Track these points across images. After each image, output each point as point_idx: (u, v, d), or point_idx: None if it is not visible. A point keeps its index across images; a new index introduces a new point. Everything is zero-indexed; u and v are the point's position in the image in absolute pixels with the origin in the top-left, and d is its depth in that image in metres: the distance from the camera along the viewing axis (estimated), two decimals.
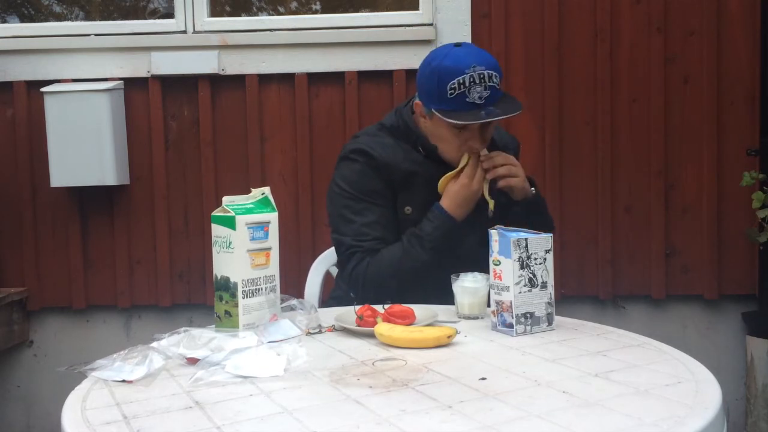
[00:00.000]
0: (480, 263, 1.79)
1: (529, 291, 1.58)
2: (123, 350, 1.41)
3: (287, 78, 2.85)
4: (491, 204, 1.89)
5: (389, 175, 1.90)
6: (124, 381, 1.31)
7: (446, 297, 1.80)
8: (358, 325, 1.62)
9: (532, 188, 1.97)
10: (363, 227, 1.90)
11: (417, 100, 1.92)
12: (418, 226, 1.88)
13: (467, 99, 1.80)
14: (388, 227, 1.90)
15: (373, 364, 1.39)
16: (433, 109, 1.85)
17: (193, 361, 1.38)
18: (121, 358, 1.38)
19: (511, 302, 1.57)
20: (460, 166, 1.87)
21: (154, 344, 1.43)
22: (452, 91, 1.80)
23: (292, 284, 2.24)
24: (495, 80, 1.83)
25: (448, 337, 1.49)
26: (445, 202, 1.87)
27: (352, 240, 1.91)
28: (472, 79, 1.80)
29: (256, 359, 1.34)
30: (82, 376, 1.35)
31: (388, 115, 2.05)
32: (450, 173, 1.88)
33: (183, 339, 1.43)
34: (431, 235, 1.86)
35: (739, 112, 2.79)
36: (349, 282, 1.93)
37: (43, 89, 2.78)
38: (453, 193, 1.87)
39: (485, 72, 1.81)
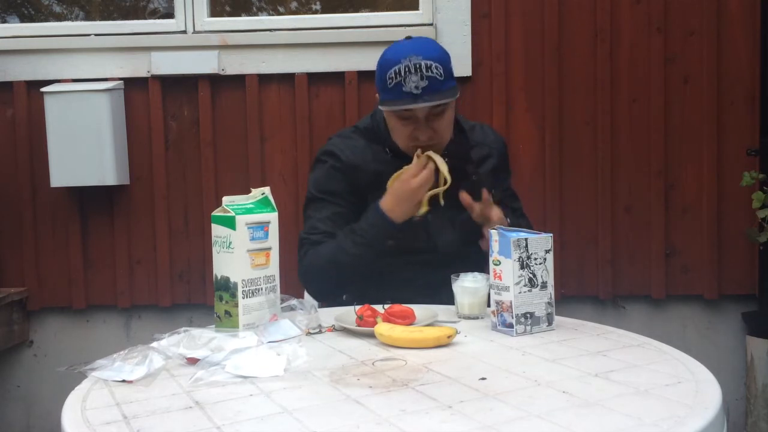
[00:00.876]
0: (467, 261, 1.83)
1: (529, 291, 1.58)
2: (123, 350, 1.41)
3: (287, 78, 2.85)
4: (423, 209, 1.85)
5: (355, 177, 1.94)
6: (124, 381, 1.31)
7: (437, 295, 1.82)
8: (358, 325, 1.63)
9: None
10: (316, 222, 1.94)
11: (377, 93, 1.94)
12: (355, 223, 1.89)
13: (403, 89, 1.81)
14: (340, 225, 1.92)
15: (373, 364, 1.40)
16: (380, 100, 1.89)
17: (193, 361, 1.38)
18: (121, 358, 1.38)
19: (511, 302, 1.57)
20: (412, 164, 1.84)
21: (154, 344, 1.43)
22: (390, 80, 1.82)
23: (292, 284, 2.25)
24: (435, 71, 1.81)
25: (448, 337, 1.49)
26: (385, 199, 1.86)
27: (304, 233, 1.96)
28: (407, 69, 1.80)
29: (256, 359, 1.34)
30: (82, 376, 1.35)
31: (365, 117, 2.08)
32: (399, 171, 1.86)
33: (183, 339, 1.43)
34: (364, 231, 1.85)
35: (739, 112, 2.79)
36: (300, 275, 1.97)
37: (43, 89, 2.78)
38: (393, 189, 1.86)
39: (422, 62, 1.80)
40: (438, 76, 1.82)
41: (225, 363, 1.33)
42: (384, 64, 1.86)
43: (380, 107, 1.91)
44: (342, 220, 1.94)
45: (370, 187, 1.93)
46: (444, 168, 1.85)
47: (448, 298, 1.78)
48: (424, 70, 1.81)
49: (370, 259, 1.87)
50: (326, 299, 2.00)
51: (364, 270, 1.88)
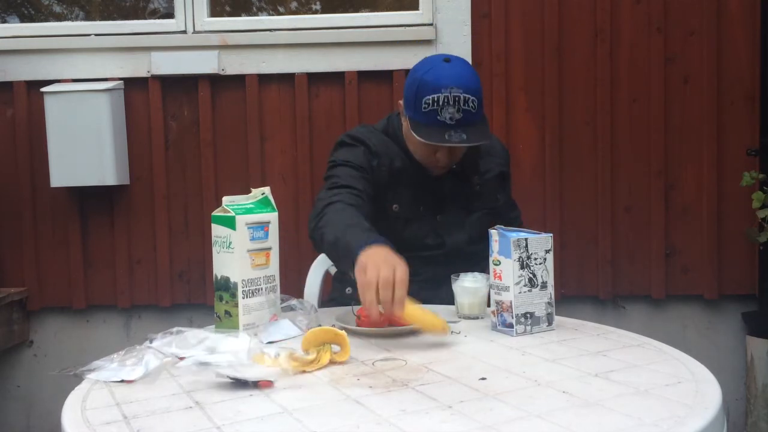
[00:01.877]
0: (473, 259, 1.86)
1: (529, 291, 1.59)
2: (118, 352, 1.41)
3: (287, 78, 2.85)
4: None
5: (379, 166, 1.94)
6: (123, 381, 1.31)
7: (439, 289, 1.85)
8: (358, 325, 1.63)
9: None
10: (341, 179, 1.88)
11: (401, 100, 1.96)
12: (365, 230, 1.70)
13: (438, 117, 1.82)
14: (360, 189, 1.86)
15: (373, 364, 1.40)
16: (408, 116, 1.90)
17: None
18: (117, 359, 1.38)
19: (511, 302, 1.57)
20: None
21: (147, 344, 1.43)
22: (426, 105, 1.83)
23: (292, 284, 2.25)
24: (471, 104, 1.83)
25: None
26: (364, 254, 1.56)
27: (323, 193, 1.87)
28: (446, 100, 1.81)
29: (244, 367, 1.32)
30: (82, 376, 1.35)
31: (380, 120, 2.09)
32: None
33: (175, 339, 1.43)
34: (340, 241, 1.67)
35: (739, 112, 2.79)
36: (310, 232, 1.85)
37: (43, 89, 2.78)
38: (383, 259, 1.53)
39: (461, 95, 1.82)
40: (472, 109, 1.83)
41: (218, 364, 1.33)
42: (423, 87, 1.84)
43: (412, 132, 1.87)
44: (361, 183, 1.89)
45: (389, 182, 1.94)
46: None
47: (448, 294, 1.79)
48: (461, 104, 1.82)
49: (331, 257, 1.80)
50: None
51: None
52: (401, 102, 1.95)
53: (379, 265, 1.49)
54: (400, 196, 1.95)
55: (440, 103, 1.82)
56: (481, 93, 1.87)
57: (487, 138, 1.91)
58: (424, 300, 1.83)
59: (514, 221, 2.12)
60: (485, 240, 1.78)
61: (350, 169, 1.91)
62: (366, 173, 1.92)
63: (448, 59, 1.92)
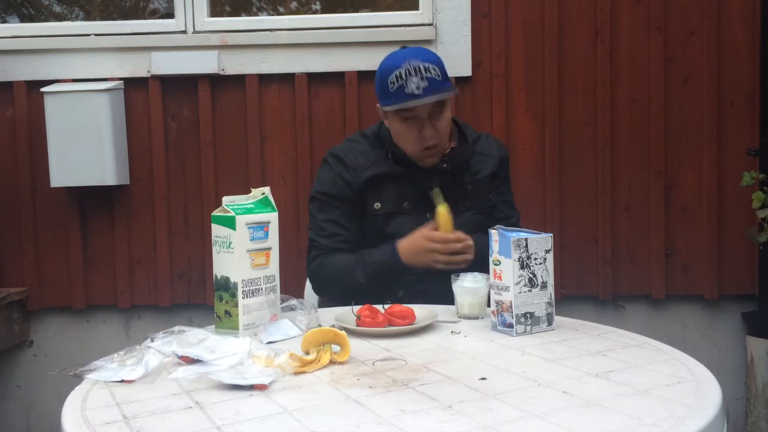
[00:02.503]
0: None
1: (529, 291, 1.59)
2: (118, 352, 1.41)
3: (287, 78, 2.85)
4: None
5: (355, 180, 2.02)
6: (122, 381, 1.31)
7: (431, 287, 1.92)
8: (358, 325, 1.63)
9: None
10: (321, 222, 2.04)
11: (378, 103, 2.04)
12: (371, 250, 1.98)
13: (406, 90, 1.90)
14: (346, 226, 2.03)
15: (373, 364, 1.40)
16: (382, 107, 2.00)
17: (186, 360, 1.38)
18: (117, 359, 1.38)
19: (511, 302, 1.57)
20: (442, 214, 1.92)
21: (148, 343, 1.43)
22: (392, 85, 1.92)
23: (292, 284, 2.25)
24: (434, 72, 1.92)
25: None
26: (402, 244, 1.94)
27: (313, 234, 2.06)
28: (408, 72, 1.91)
29: (244, 367, 1.32)
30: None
31: (374, 124, 2.15)
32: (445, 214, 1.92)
33: (176, 338, 1.43)
34: (374, 265, 1.96)
35: (739, 112, 2.79)
36: (307, 274, 2.10)
37: (43, 89, 2.78)
38: (412, 240, 1.94)
39: (421, 64, 1.91)
40: (437, 77, 1.92)
41: (215, 365, 1.33)
42: (384, 70, 1.96)
43: (385, 109, 1.98)
44: (343, 220, 2.04)
45: (370, 188, 2.02)
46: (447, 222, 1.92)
47: (439, 287, 1.84)
48: (423, 72, 1.91)
49: (377, 287, 1.93)
50: (329, 298, 2.10)
51: (369, 292, 1.91)
52: (378, 105, 2.03)
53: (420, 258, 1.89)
54: (382, 195, 2.02)
55: (404, 77, 1.91)
56: (443, 65, 1.96)
57: (454, 90, 1.99)
58: (416, 292, 1.95)
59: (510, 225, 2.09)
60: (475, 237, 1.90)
61: (323, 204, 2.04)
62: (340, 201, 2.03)
63: (404, 46, 2.05)
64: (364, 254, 1.99)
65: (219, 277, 1.58)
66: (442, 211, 1.92)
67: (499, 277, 1.59)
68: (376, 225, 2.03)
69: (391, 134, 2.03)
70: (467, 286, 1.74)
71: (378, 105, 2.02)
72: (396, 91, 1.92)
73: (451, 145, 2.08)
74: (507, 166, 2.19)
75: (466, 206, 2.07)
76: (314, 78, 2.85)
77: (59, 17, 3.32)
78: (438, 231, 1.92)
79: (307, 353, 1.39)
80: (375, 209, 2.03)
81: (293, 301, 1.71)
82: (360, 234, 2.05)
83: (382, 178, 2.02)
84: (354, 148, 2.08)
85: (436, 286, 1.89)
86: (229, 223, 1.56)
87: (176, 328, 1.49)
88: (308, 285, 2.40)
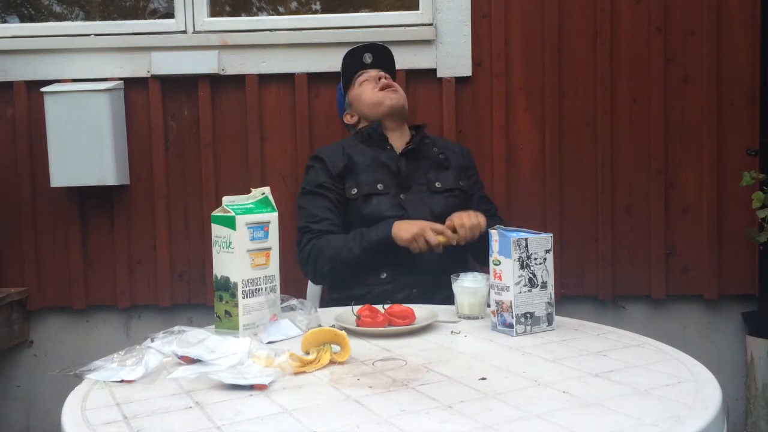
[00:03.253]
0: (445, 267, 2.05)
1: (529, 291, 1.59)
2: (118, 352, 1.41)
3: (287, 78, 2.85)
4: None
5: (334, 167, 2.25)
6: (122, 381, 1.31)
7: (404, 266, 2.12)
8: (358, 325, 1.63)
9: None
10: (313, 209, 2.23)
11: (345, 114, 2.47)
12: (369, 228, 2.14)
13: (358, 63, 2.41)
14: (335, 212, 2.22)
15: (373, 364, 1.40)
16: (345, 93, 2.45)
17: (186, 360, 1.38)
18: (117, 359, 1.38)
19: (511, 302, 1.57)
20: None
21: (148, 342, 1.43)
22: (345, 65, 2.41)
23: (292, 284, 2.25)
24: (385, 52, 2.46)
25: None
26: (398, 224, 2.09)
27: (305, 222, 2.23)
28: (359, 50, 2.43)
29: (244, 367, 1.32)
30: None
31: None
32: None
33: (176, 338, 1.44)
34: (371, 239, 2.10)
35: (739, 112, 2.79)
36: (299, 260, 2.23)
37: (43, 89, 2.78)
38: (411, 221, 2.10)
39: (371, 45, 2.46)
40: (386, 54, 2.46)
41: (214, 365, 1.33)
42: (344, 58, 2.44)
43: (348, 87, 2.44)
44: (332, 206, 2.23)
45: (347, 175, 2.25)
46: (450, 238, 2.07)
47: (414, 268, 2.09)
48: (373, 50, 2.44)
49: (369, 261, 2.12)
50: (319, 282, 2.32)
51: (359, 268, 2.13)
52: (346, 114, 2.46)
53: (411, 230, 2.04)
54: (358, 180, 2.23)
55: (355, 54, 2.42)
56: (391, 55, 2.49)
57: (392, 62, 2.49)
58: (397, 275, 2.14)
59: (489, 214, 2.29)
60: (443, 221, 2.08)
61: (313, 195, 2.26)
62: (326, 189, 2.24)
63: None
64: (360, 230, 2.15)
65: (219, 277, 1.58)
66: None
67: (499, 277, 1.59)
68: (356, 209, 2.20)
69: (359, 108, 2.39)
70: (467, 286, 1.74)
71: (346, 114, 2.46)
72: (349, 65, 2.41)
73: (411, 134, 2.38)
74: (473, 163, 2.44)
75: (438, 188, 2.25)
76: (314, 78, 2.85)
77: (59, 17, 3.32)
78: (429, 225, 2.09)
79: (307, 353, 1.39)
80: (353, 194, 2.21)
81: (293, 301, 1.71)
82: (345, 221, 2.23)
83: (356, 166, 2.25)
84: (329, 148, 2.35)
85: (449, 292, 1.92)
86: (229, 223, 1.56)
87: (176, 328, 1.49)
88: (309, 285, 2.41)
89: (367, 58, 2.41)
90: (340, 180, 2.24)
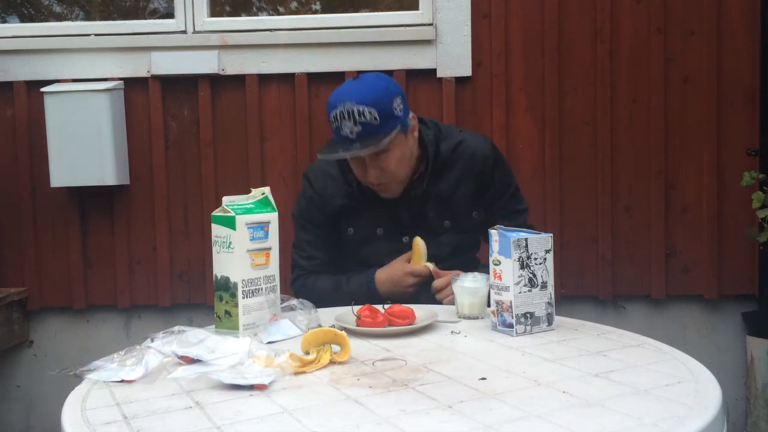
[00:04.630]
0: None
1: (529, 291, 1.59)
2: (118, 352, 1.41)
3: (287, 78, 2.85)
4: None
5: (324, 206, 2.06)
6: (122, 381, 1.31)
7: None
8: (358, 325, 1.63)
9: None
10: (302, 242, 2.11)
11: None
12: (348, 278, 2.03)
13: (341, 133, 1.88)
14: (322, 249, 2.09)
15: (373, 364, 1.40)
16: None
17: (186, 360, 1.38)
18: (117, 359, 1.38)
19: (511, 302, 1.57)
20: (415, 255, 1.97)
21: (148, 342, 1.43)
22: (332, 123, 1.91)
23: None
24: (368, 116, 1.85)
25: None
26: (380, 274, 1.99)
27: (294, 253, 2.12)
28: (342, 115, 1.87)
29: (244, 367, 1.32)
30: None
31: None
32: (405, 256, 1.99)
33: (176, 338, 1.44)
34: (352, 295, 1.90)
35: (739, 112, 2.79)
36: (292, 289, 2.10)
37: (43, 89, 2.78)
38: (390, 271, 1.98)
39: (355, 108, 1.85)
40: (372, 121, 1.85)
41: (214, 365, 1.33)
42: (328, 106, 1.93)
43: (319, 155, 1.99)
44: (320, 243, 2.09)
45: (341, 215, 2.06)
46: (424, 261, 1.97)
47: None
48: (357, 116, 1.85)
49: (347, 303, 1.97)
50: None
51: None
52: None
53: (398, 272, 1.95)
54: (355, 220, 2.05)
55: (338, 119, 1.88)
56: (384, 104, 1.87)
57: (377, 144, 1.87)
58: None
59: (516, 222, 2.03)
60: (455, 257, 1.99)
61: (302, 226, 2.10)
62: (314, 225, 2.08)
63: (357, 77, 1.97)
64: (342, 282, 2.03)
65: (219, 277, 1.58)
66: (418, 243, 1.97)
67: (499, 277, 1.59)
68: (351, 249, 2.07)
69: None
70: (467, 286, 1.74)
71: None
72: (335, 130, 1.91)
73: (420, 170, 2.03)
74: (498, 170, 2.10)
75: (445, 227, 2.06)
76: (314, 78, 2.84)
77: (59, 17, 3.32)
78: (414, 263, 1.96)
79: (307, 353, 1.39)
80: (349, 234, 2.06)
81: (293, 301, 1.71)
82: (337, 255, 2.09)
83: (353, 206, 2.04)
84: (325, 172, 2.07)
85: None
86: (229, 223, 1.56)
87: (176, 328, 1.49)
88: None
89: (348, 130, 1.87)
90: (335, 219, 2.06)
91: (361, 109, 1.85)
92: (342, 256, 2.10)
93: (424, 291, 1.97)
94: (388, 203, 2.03)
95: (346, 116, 1.85)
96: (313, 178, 2.09)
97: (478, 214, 2.07)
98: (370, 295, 1.95)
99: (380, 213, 2.03)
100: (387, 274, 1.99)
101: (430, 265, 1.95)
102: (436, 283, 1.94)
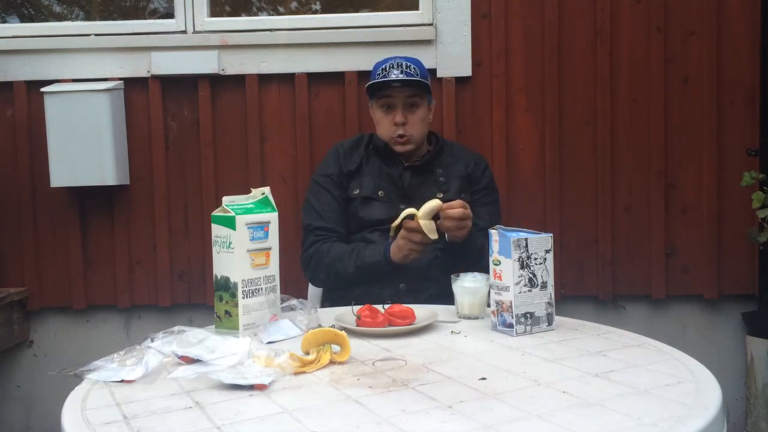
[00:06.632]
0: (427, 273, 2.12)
1: (529, 291, 1.59)
2: (118, 352, 1.41)
3: (287, 78, 2.85)
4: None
5: (345, 167, 2.31)
6: (122, 381, 1.31)
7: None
8: (358, 325, 1.63)
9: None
10: (318, 206, 2.28)
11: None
12: (366, 245, 2.18)
13: (387, 78, 2.25)
14: (337, 210, 2.27)
15: (373, 364, 1.40)
16: (368, 94, 2.33)
17: (186, 360, 1.38)
18: (117, 359, 1.38)
19: (511, 302, 1.57)
20: (400, 217, 1.99)
21: (148, 342, 1.43)
22: (378, 75, 2.28)
23: (292, 284, 2.25)
24: (413, 69, 2.27)
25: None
26: (393, 246, 2.08)
27: (309, 220, 2.28)
28: (391, 66, 2.27)
29: (244, 367, 1.32)
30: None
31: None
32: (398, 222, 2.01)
33: (176, 338, 1.44)
34: (365, 259, 2.13)
35: (739, 112, 2.79)
36: (302, 259, 2.28)
37: (43, 89, 2.78)
38: (396, 241, 2.07)
39: (403, 62, 2.29)
40: (414, 74, 2.26)
41: (215, 366, 1.33)
42: (375, 66, 2.34)
43: (369, 98, 2.35)
44: (336, 203, 2.28)
45: (353, 177, 2.29)
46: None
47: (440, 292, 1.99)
48: (404, 67, 2.27)
49: (364, 279, 2.13)
50: (316, 285, 2.36)
51: (353, 285, 2.15)
52: (369, 104, 2.38)
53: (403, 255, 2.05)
54: (362, 183, 2.28)
55: (387, 69, 2.27)
56: (426, 72, 2.32)
57: (427, 88, 2.29)
58: (415, 289, 2.12)
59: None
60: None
61: (318, 189, 2.31)
62: (332, 182, 2.30)
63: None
64: (359, 247, 2.18)
65: (219, 277, 1.58)
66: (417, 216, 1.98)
67: (499, 277, 1.59)
68: (353, 209, 2.25)
69: (375, 126, 2.34)
70: (467, 286, 1.74)
71: (369, 104, 2.36)
72: (378, 77, 2.26)
73: (428, 149, 2.36)
74: (485, 172, 2.37)
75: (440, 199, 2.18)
76: (314, 78, 2.84)
77: (59, 17, 3.32)
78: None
79: (307, 353, 1.39)
80: (354, 194, 2.26)
81: (293, 301, 1.71)
82: (345, 225, 2.27)
83: (364, 168, 2.30)
84: (352, 146, 2.37)
85: (437, 289, 2.05)
86: (229, 223, 1.56)
87: (176, 328, 1.49)
88: (310, 285, 2.41)
89: (395, 75, 2.24)
90: (348, 178, 2.29)
91: (408, 63, 2.28)
92: (348, 224, 2.27)
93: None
94: (392, 171, 2.28)
95: (395, 66, 2.27)
96: (341, 147, 2.38)
97: (465, 197, 2.23)
98: (385, 263, 2.09)
99: (384, 178, 2.28)
100: (395, 242, 2.07)
101: (434, 203, 1.96)
102: (448, 212, 1.97)
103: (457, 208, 1.97)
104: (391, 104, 2.28)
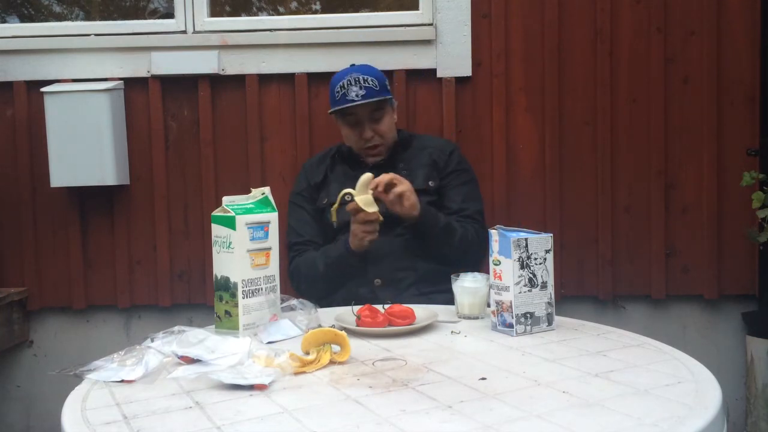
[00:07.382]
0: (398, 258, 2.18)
1: (529, 291, 1.59)
2: (118, 352, 1.41)
3: (287, 78, 2.85)
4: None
5: (311, 178, 2.40)
6: (122, 381, 1.31)
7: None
8: (358, 325, 1.63)
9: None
10: (294, 224, 2.37)
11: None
12: (330, 245, 2.25)
13: (347, 97, 2.27)
14: (312, 224, 2.35)
15: (373, 364, 1.40)
16: (333, 114, 2.34)
17: (186, 360, 1.38)
18: (117, 359, 1.38)
19: (511, 302, 1.57)
20: (338, 199, 2.06)
21: (148, 342, 1.44)
22: (337, 93, 2.30)
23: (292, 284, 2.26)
24: (371, 83, 2.28)
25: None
26: (350, 237, 2.14)
27: (288, 237, 2.35)
28: (349, 82, 2.28)
29: (244, 367, 1.32)
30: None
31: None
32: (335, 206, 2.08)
33: (176, 338, 1.44)
34: (331, 255, 2.21)
35: (739, 112, 2.79)
36: (288, 277, 2.32)
37: (43, 89, 2.78)
38: (354, 234, 2.12)
39: (360, 76, 2.29)
40: (374, 87, 2.28)
41: (215, 366, 1.33)
42: (332, 84, 2.35)
43: (332, 114, 2.35)
44: (310, 218, 2.36)
45: (322, 187, 2.37)
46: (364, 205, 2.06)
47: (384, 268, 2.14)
48: (362, 82, 2.27)
49: (336, 277, 2.20)
50: (306, 297, 2.25)
51: (332, 283, 2.21)
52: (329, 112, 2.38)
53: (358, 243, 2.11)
54: (329, 190, 2.33)
55: (345, 87, 2.28)
56: (382, 78, 2.34)
57: (386, 97, 2.32)
58: (393, 279, 2.18)
59: (465, 214, 2.30)
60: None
61: (293, 207, 2.40)
62: (303, 199, 2.39)
63: (353, 65, 2.40)
64: (327, 247, 2.26)
65: (219, 277, 1.58)
66: (356, 195, 2.04)
67: (499, 277, 1.59)
68: (324, 216, 2.28)
69: (343, 138, 2.38)
70: (467, 286, 1.74)
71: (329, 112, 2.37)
72: (340, 98, 2.28)
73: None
74: (455, 157, 2.39)
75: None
76: (314, 78, 2.84)
77: (59, 17, 3.32)
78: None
79: (307, 353, 1.39)
80: (323, 203, 2.32)
81: (293, 301, 1.71)
82: (322, 230, 2.33)
83: (330, 179, 2.37)
84: (319, 159, 2.46)
85: (415, 276, 2.17)
86: (229, 223, 1.56)
87: (176, 328, 1.49)
88: None
89: (354, 93, 2.27)
90: (316, 190, 2.37)
91: (364, 77, 2.28)
92: (325, 234, 2.32)
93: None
94: (358, 173, 2.22)
95: (353, 83, 2.27)
96: (307, 164, 2.48)
97: (433, 184, 2.31)
98: (347, 255, 2.14)
99: (350, 182, 2.22)
100: (350, 232, 2.13)
101: (365, 176, 2.02)
102: (375, 180, 2.04)
103: (386, 177, 2.04)
104: (356, 121, 2.31)
